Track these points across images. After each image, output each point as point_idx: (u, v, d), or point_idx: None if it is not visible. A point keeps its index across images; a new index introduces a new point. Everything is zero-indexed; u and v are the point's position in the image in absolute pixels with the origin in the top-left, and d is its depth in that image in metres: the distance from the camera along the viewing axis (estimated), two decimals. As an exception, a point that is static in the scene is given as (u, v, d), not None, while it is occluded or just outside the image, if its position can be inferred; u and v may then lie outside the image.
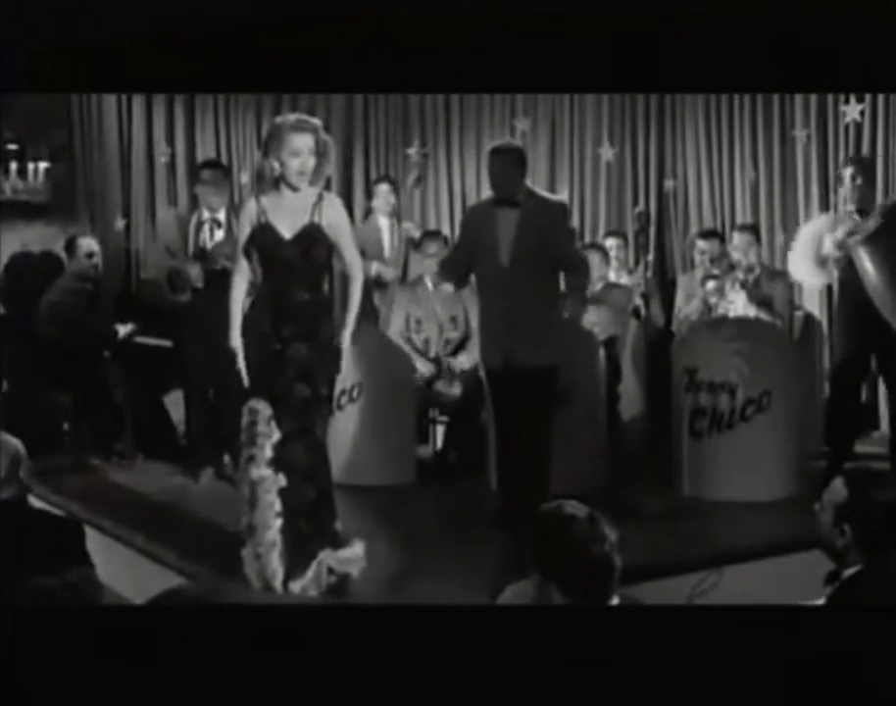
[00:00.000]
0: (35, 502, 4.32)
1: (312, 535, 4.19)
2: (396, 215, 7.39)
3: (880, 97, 7.19)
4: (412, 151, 8.56)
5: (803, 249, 5.68)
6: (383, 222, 7.35)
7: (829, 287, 6.48)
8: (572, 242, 5.20)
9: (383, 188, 7.41)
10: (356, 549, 4.27)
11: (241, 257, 4.32)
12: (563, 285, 5.08)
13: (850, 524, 2.84)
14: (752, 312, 6.24)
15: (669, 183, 8.22)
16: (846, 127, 7.40)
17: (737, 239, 6.69)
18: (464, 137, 8.53)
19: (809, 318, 6.68)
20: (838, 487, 2.90)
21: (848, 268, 5.36)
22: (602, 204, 8.35)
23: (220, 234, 6.03)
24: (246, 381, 4.25)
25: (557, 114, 8.40)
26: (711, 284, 6.50)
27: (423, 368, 6.37)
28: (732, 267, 6.48)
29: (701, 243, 6.91)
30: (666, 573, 4.37)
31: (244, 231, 4.27)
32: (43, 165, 7.88)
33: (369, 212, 8.37)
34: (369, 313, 6.66)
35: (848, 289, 5.43)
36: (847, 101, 7.38)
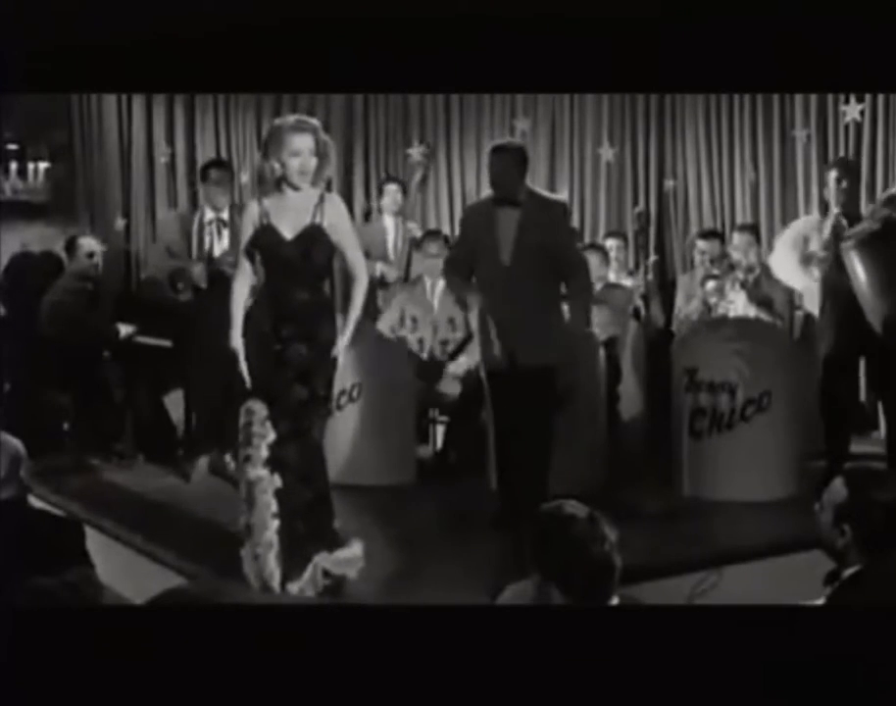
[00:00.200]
0: (35, 502, 4.32)
1: (308, 537, 4.18)
2: (402, 215, 7.41)
3: (880, 97, 7.20)
4: (414, 151, 8.56)
5: (787, 248, 5.69)
6: (389, 222, 7.36)
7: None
8: (572, 242, 5.20)
9: (392, 188, 7.41)
10: (353, 550, 4.27)
11: (243, 258, 4.32)
12: (563, 290, 5.07)
13: (850, 524, 2.84)
14: (752, 312, 6.25)
15: (669, 183, 8.22)
16: (846, 127, 7.41)
17: (737, 239, 6.70)
18: (464, 137, 8.53)
19: (809, 318, 6.66)
20: (838, 487, 2.90)
21: (836, 269, 5.36)
22: (602, 204, 8.36)
23: (226, 233, 6.04)
24: (248, 382, 4.25)
25: (557, 114, 8.41)
26: (711, 284, 6.51)
27: (413, 340, 6.38)
28: (732, 267, 6.49)
29: (701, 243, 6.92)
30: (666, 573, 4.37)
31: (246, 233, 4.28)
32: (43, 165, 7.89)
33: (369, 212, 8.40)
34: (371, 314, 6.66)
35: (835, 291, 5.43)
36: (847, 101, 7.39)
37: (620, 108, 8.25)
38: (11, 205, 7.68)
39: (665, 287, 7.75)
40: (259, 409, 4.18)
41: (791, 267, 5.69)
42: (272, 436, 4.17)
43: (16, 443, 3.62)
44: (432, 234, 6.95)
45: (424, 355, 6.47)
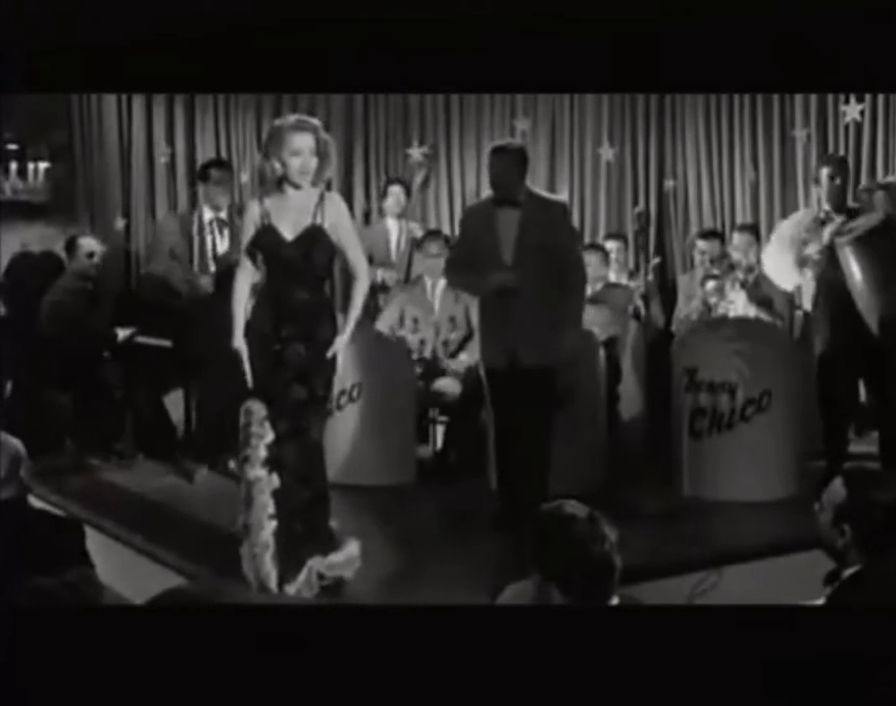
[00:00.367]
0: (35, 502, 4.31)
1: (305, 537, 4.18)
2: (405, 216, 7.41)
3: (880, 97, 7.20)
4: (416, 152, 8.56)
5: (781, 249, 5.68)
6: (392, 224, 7.36)
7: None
8: (572, 242, 5.19)
9: (395, 190, 7.41)
10: (348, 552, 4.26)
11: (245, 258, 4.32)
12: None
13: (850, 524, 2.84)
14: (752, 312, 6.25)
15: (669, 183, 8.22)
16: (846, 127, 7.41)
17: (737, 239, 6.71)
18: (464, 137, 8.53)
19: (809, 317, 6.67)
20: (838, 487, 2.91)
21: (831, 266, 5.36)
22: (602, 204, 8.35)
23: (226, 233, 6.04)
24: (251, 382, 4.25)
25: (557, 114, 8.40)
26: (711, 284, 6.51)
27: (413, 340, 6.38)
28: (732, 267, 6.49)
29: (701, 243, 6.93)
30: (666, 573, 4.37)
31: (248, 233, 4.28)
32: (43, 165, 7.87)
33: (369, 212, 8.39)
34: (372, 314, 6.66)
35: (829, 287, 5.43)
36: (847, 101, 7.39)
37: (620, 108, 8.24)
38: (11, 205, 7.67)
39: (665, 287, 7.76)
40: (258, 409, 4.18)
41: (784, 268, 5.68)
42: (270, 436, 4.17)
43: (16, 443, 3.62)
44: (433, 234, 6.95)
45: (427, 355, 6.46)
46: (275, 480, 4.17)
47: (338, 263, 4.58)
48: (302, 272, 4.19)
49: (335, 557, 4.21)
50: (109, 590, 3.16)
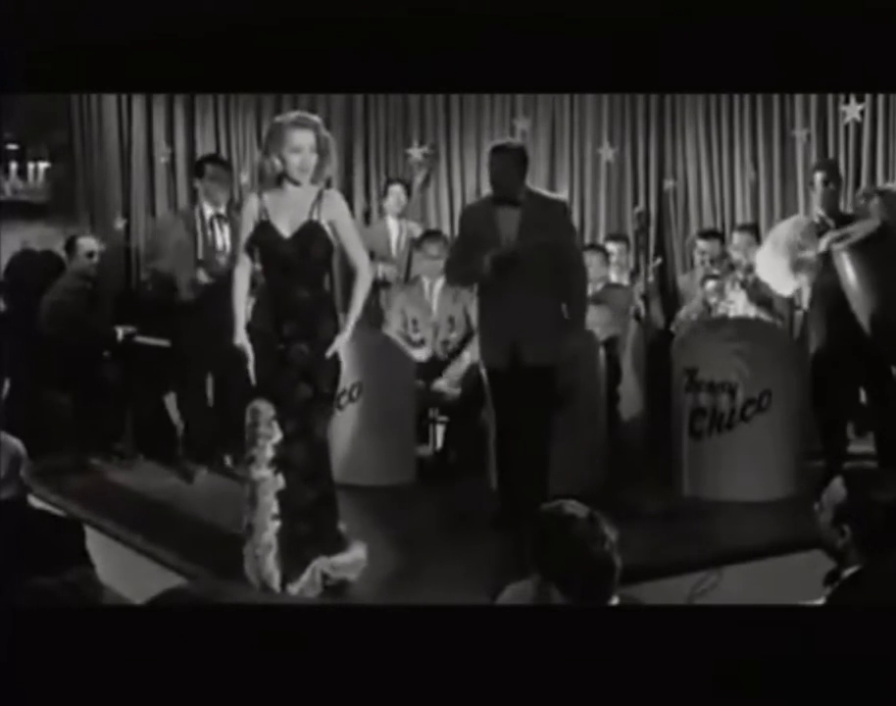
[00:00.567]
0: (35, 502, 4.31)
1: (311, 538, 4.18)
2: (405, 216, 7.42)
3: (880, 97, 7.20)
4: (416, 151, 8.56)
5: (776, 253, 5.69)
6: (392, 223, 7.37)
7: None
8: (572, 242, 5.19)
9: (396, 189, 7.42)
10: (354, 554, 4.26)
11: (244, 253, 4.32)
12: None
13: (849, 524, 2.84)
14: (752, 312, 6.25)
15: (669, 183, 8.23)
16: (846, 127, 7.41)
17: (737, 239, 6.71)
18: (464, 137, 8.53)
19: (806, 319, 6.67)
20: (838, 487, 2.91)
21: (826, 270, 5.36)
22: (602, 204, 8.35)
23: (227, 229, 6.04)
24: (253, 379, 4.25)
25: (557, 114, 8.40)
26: (711, 284, 6.51)
27: (420, 354, 6.36)
28: (732, 267, 6.49)
29: (701, 243, 6.93)
30: (666, 573, 4.37)
31: (247, 228, 4.28)
32: (43, 165, 7.87)
33: (368, 212, 8.39)
34: (373, 313, 6.66)
35: (824, 290, 5.44)
36: (847, 101, 7.39)
37: (620, 108, 8.25)
38: (11, 205, 7.66)
39: (665, 287, 7.76)
40: (265, 409, 4.17)
41: (779, 273, 5.68)
42: (278, 436, 4.16)
43: (16, 443, 3.62)
44: (431, 235, 6.94)
45: (427, 355, 6.46)
46: (280, 481, 4.17)
47: (339, 260, 4.58)
48: (300, 268, 4.18)
49: (341, 558, 4.21)
50: (109, 590, 3.16)
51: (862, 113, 7.33)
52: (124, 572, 4.51)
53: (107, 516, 5.32)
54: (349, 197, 8.10)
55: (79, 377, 6.43)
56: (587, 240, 7.91)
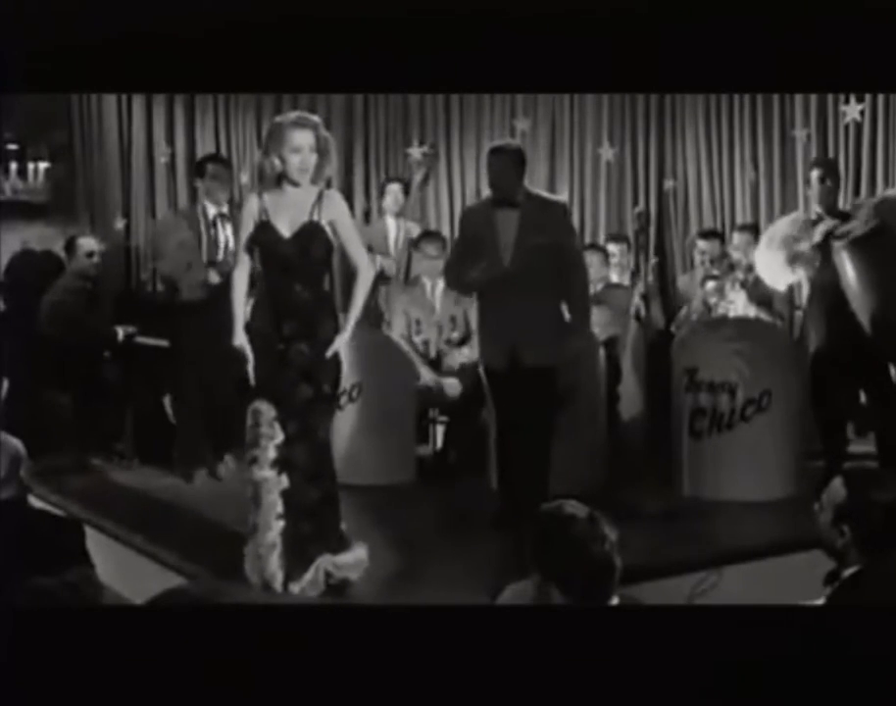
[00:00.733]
0: (35, 502, 4.32)
1: (314, 537, 4.18)
2: (403, 215, 7.41)
3: (880, 97, 7.20)
4: (415, 151, 8.56)
5: (772, 248, 5.69)
6: (391, 222, 7.36)
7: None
8: (572, 243, 5.17)
9: (394, 188, 7.42)
10: (357, 553, 4.26)
11: (243, 253, 4.32)
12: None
13: (849, 524, 2.84)
14: (752, 312, 6.25)
15: (669, 183, 8.23)
16: (846, 127, 7.41)
17: (737, 239, 6.72)
18: (464, 137, 8.53)
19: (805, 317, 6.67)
20: (838, 487, 2.91)
21: (825, 267, 5.36)
22: (602, 204, 8.35)
23: (230, 228, 6.03)
24: (253, 380, 4.24)
25: (557, 114, 8.41)
26: (711, 284, 6.51)
27: (428, 377, 6.35)
28: (732, 267, 6.49)
29: (701, 243, 6.93)
30: (666, 573, 4.37)
31: (247, 228, 4.28)
32: (43, 165, 7.87)
33: (368, 212, 8.39)
34: (371, 314, 6.66)
35: (823, 288, 5.44)
36: (847, 101, 7.39)
37: (620, 108, 8.25)
38: (11, 205, 7.66)
39: (665, 287, 7.76)
40: (266, 410, 4.17)
41: (775, 266, 5.69)
42: (280, 437, 4.16)
43: (16, 443, 3.62)
44: (430, 235, 6.94)
45: (432, 356, 6.46)
46: (285, 481, 4.16)
47: (338, 260, 4.58)
48: (300, 268, 4.18)
49: (344, 557, 4.21)
50: (109, 590, 3.16)
51: (862, 113, 7.33)
52: (124, 572, 4.51)
53: (107, 516, 5.32)
54: (349, 197, 8.10)
55: (79, 377, 6.43)
56: (587, 240, 7.91)
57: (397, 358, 6.20)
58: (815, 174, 5.73)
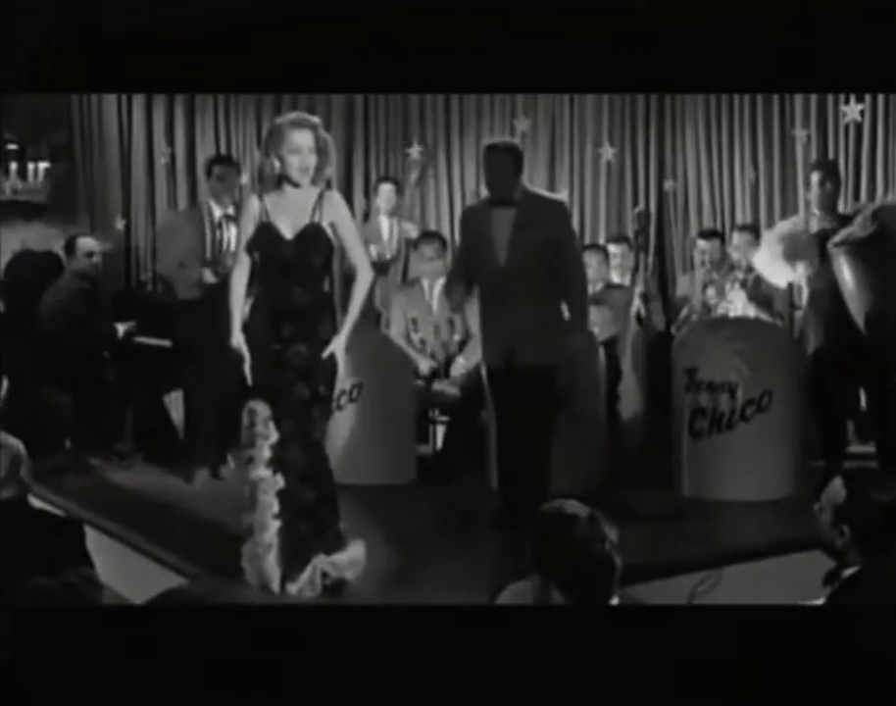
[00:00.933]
0: (35, 502, 4.31)
1: (310, 537, 4.18)
2: (397, 215, 7.41)
3: (880, 97, 7.20)
4: (412, 150, 8.56)
5: (772, 246, 5.69)
6: (384, 222, 7.36)
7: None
8: (570, 242, 5.13)
9: (386, 188, 7.42)
10: (353, 552, 4.26)
11: (243, 254, 4.31)
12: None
13: (849, 524, 2.85)
14: (752, 312, 6.24)
15: (669, 183, 8.22)
16: (846, 127, 7.41)
17: (737, 239, 6.72)
18: (464, 137, 8.52)
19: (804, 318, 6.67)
20: (838, 487, 2.91)
21: (823, 271, 5.36)
22: (602, 204, 8.35)
23: (234, 229, 6.02)
24: (250, 380, 4.24)
25: (557, 114, 8.40)
26: (710, 285, 6.51)
27: (424, 365, 6.37)
28: (732, 267, 6.49)
29: (701, 243, 6.93)
30: (666, 573, 4.37)
31: (247, 230, 4.27)
32: (43, 165, 7.86)
33: (368, 212, 8.39)
34: (370, 314, 6.66)
35: (823, 291, 5.44)
36: (847, 101, 7.39)
37: (620, 108, 8.24)
38: (11, 205, 7.66)
39: (665, 287, 7.76)
40: (261, 409, 4.17)
41: (776, 263, 5.69)
42: (274, 437, 4.16)
43: (16, 443, 3.62)
44: (428, 236, 6.94)
45: (427, 355, 6.46)
46: (280, 481, 4.16)
47: (338, 262, 4.58)
48: (301, 270, 4.18)
49: (340, 557, 4.21)
50: (109, 590, 3.16)
51: (862, 113, 7.33)
52: (124, 572, 4.51)
53: (107, 516, 5.31)
54: (349, 198, 8.10)
55: (79, 376, 6.43)
56: (587, 240, 7.91)
57: (397, 358, 6.20)
58: (815, 177, 5.73)
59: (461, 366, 6.33)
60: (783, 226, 5.86)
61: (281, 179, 4.21)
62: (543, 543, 2.71)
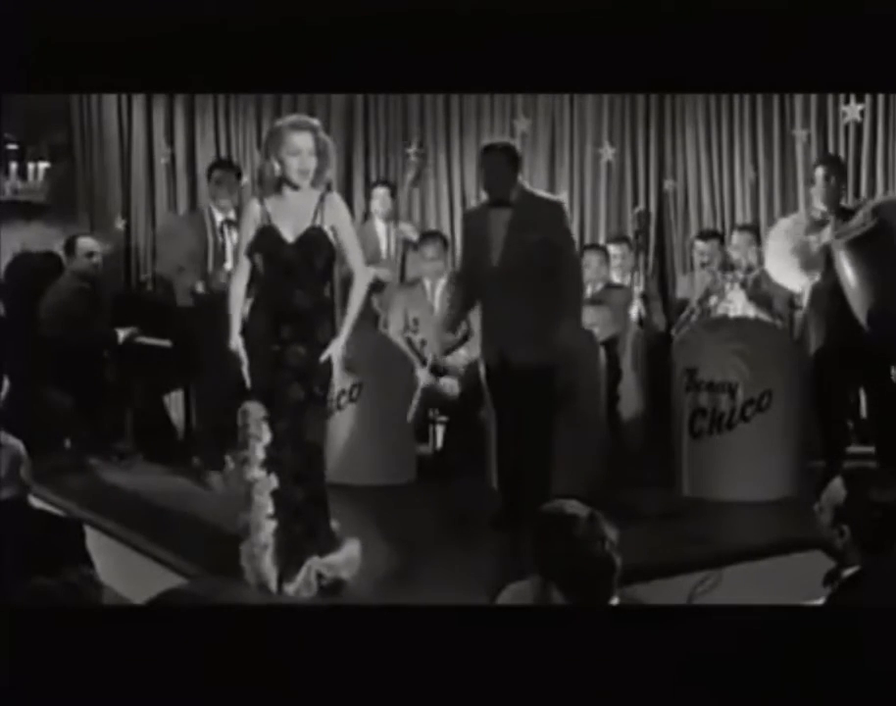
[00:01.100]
0: (35, 502, 4.31)
1: (304, 538, 4.18)
2: (393, 218, 7.39)
3: (880, 97, 7.20)
4: (410, 150, 8.56)
5: (784, 252, 5.69)
6: (380, 226, 7.35)
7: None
8: (566, 242, 5.08)
9: (380, 192, 7.41)
10: (348, 551, 4.26)
11: (243, 257, 4.31)
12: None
13: (849, 524, 2.85)
14: (751, 312, 6.24)
15: (669, 183, 8.22)
16: (846, 127, 7.41)
17: (737, 239, 6.71)
18: (464, 138, 8.51)
19: (806, 317, 6.67)
20: (837, 487, 2.91)
21: (826, 268, 5.37)
22: (602, 204, 8.34)
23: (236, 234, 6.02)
24: (248, 382, 4.25)
25: (557, 114, 8.40)
26: (710, 285, 6.50)
27: (423, 378, 6.35)
28: (732, 267, 6.48)
29: (700, 245, 6.92)
30: (666, 573, 4.37)
31: (248, 233, 4.27)
32: (43, 165, 7.87)
33: (366, 215, 8.39)
34: (368, 315, 6.65)
35: (825, 288, 5.44)
36: (847, 101, 7.39)
37: (620, 108, 8.24)
38: (11, 205, 7.66)
39: (665, 288, 7.76)
40: (255, 410, 4.18)
41: (791, 270, 5.69)
42: (267, 437, 4.17)
43: (16, 443, 3.62)
44: (430, 236, 6.94)
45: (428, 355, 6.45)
46: (274, 481, 4.17)
47: (339, 265, 4.57)
48: (302, 273, 4.18)
49: (335, 557, 4.21)
50: (109, 590, 3.16)
51: (862, 113, 7.33)
52: (124, 572, 4.51)
53: (107, 516, 5.31)
54: (349, 199, 8.10)
55: (79, 376, 6.43)
56: (587, 240, 7.90)
57: (397, 358, 6.20)
58: (819, 172, 5.71)
59: (462, 357, 6.32)
60: (786, 230, 5.85)
61: (281, 182, 4.21)
62: (543, 543, 2.71)
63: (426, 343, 6.47)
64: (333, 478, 4.84)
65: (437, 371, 6.36)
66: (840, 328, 5.32)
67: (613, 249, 7.00)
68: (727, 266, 6.54)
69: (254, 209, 4.27)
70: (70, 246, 6.91)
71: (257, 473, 4.17)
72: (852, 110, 7.36)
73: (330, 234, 4.21)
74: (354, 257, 4.34)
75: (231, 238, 5.99)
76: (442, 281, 6.52)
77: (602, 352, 5.94)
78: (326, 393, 4.37)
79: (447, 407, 6.42)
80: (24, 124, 7.62)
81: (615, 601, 2.67)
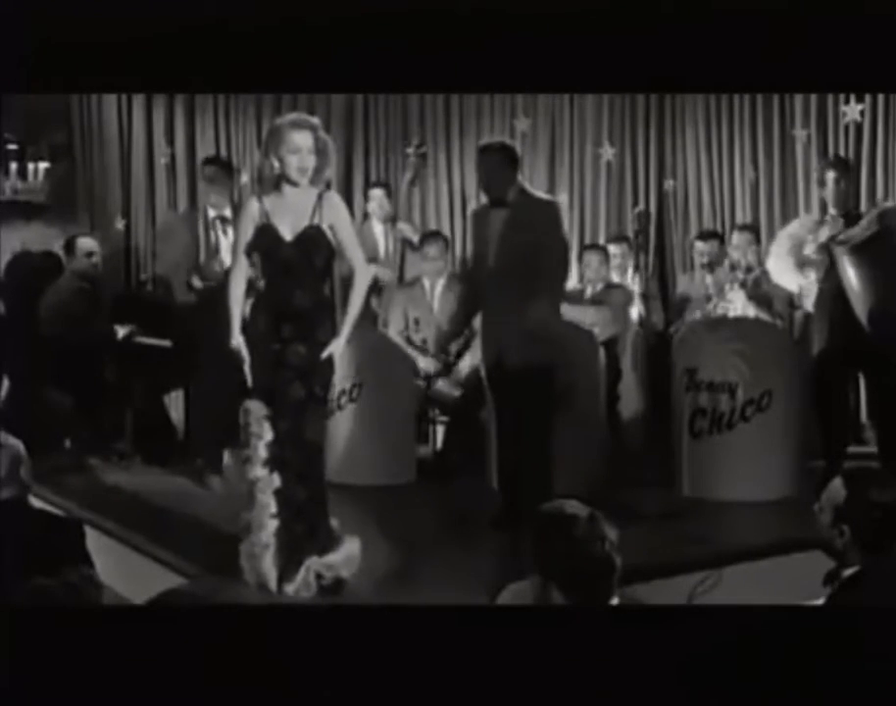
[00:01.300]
0: (35, 502, 4.31)
1: (305, 537, 4.18)
2: (391, 220, 7.39)
3: (880, 97, 7.20)
4: (409, 150, 8.56)
5: (783, 253, 5.70)
6: (378, 227, 7.35)
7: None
8: (559, 243, 5.02)
9: (377, 193, 7.41)
10: (348, 550, 4.26)
11: (242, 256, 4.31)
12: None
13: (849, 524, 2.85)
14: (751, 312, 6.24)
15: (669, 183, 8.22)
16: (846, 127, 7.41)
17: (737, 239, 6.71)
18: (464, 138, 8.51)
19: (809, 317, 6.66)
20: (837, 487, 2.91)
21: (829, 272, 5.37)
22: (602, 204, 8.35)
23: (230, 232, 6.01)
24: (250, 381, 4.25)
25: (557, 114, 8.40)
26: (710, 285, 6.51)
27: (425, 364, 6.36)
28: (732, 267, 6.49)
29: (700, 245, 6.92)
30: (666, 573, 4.37)
31: (246, 231, 4.27)
32: (43, 165, 7.87)
33: (365, 216, 8.39)
34: (367, 315, 6.65)
35: (829, 291, 5.44)
36: (847, 101, 7.39)
37: (620, 108, 8.24)
38: (11, 205, 7.66)
39: (665, 287, 7.76)
40: (256, 408, 4.18)
41: (788, 270, 5.70)
42: (269, 436, 4.17)
43: (16, 443, 3.62)
44: (431, 236, 6.94)
45: (429, 355, 6.45)
46: (276, 480, 4.17)
47: (338, 264, 4.58)
48: (301, 272, 4.18)
49: (334, 557, 4.21)
50: (109, 590, 3.16)
51: (862, 113, 7.33)
52: (124, 572, 4.51)
53: (107, 516, 5.31)
54: (348, 199, 8.10)
55: (79, 376, 6.43)
56: (587, 240, 7.91)
57: (397, 358, 6.20)
58: (830, 175, 5.67)
59: (467, 365, 6.32)
60: (794, 231, 5.84)
61: (280, 180, 4.21)
62: (543, 543, 2.71)
63: (427, 342, 6.47)
64: (333, 477, 4.85)
65: (441, 362, 6.36)
66: (843, 330, 5.32)
67: (612, 249, 7.01)
68: (727, 266, 6.55)
69: (252, 207, 4.27)
70: (69, 246, 6.91)
71: (259, 471, 4.17)
72: (852, 110, 7.36)
73: (329, 233, 4.21)
74: (354, 255, 4.34)
75: (226, 235, 5.99)
76: (442, 281, 6.52)
77: (602, 352, 5.94)
78: (327, 392, 4.37)
79: (447, 407, 6.42)
80: (24, 124, 7.61)
81: (615, 601, 2.67)
